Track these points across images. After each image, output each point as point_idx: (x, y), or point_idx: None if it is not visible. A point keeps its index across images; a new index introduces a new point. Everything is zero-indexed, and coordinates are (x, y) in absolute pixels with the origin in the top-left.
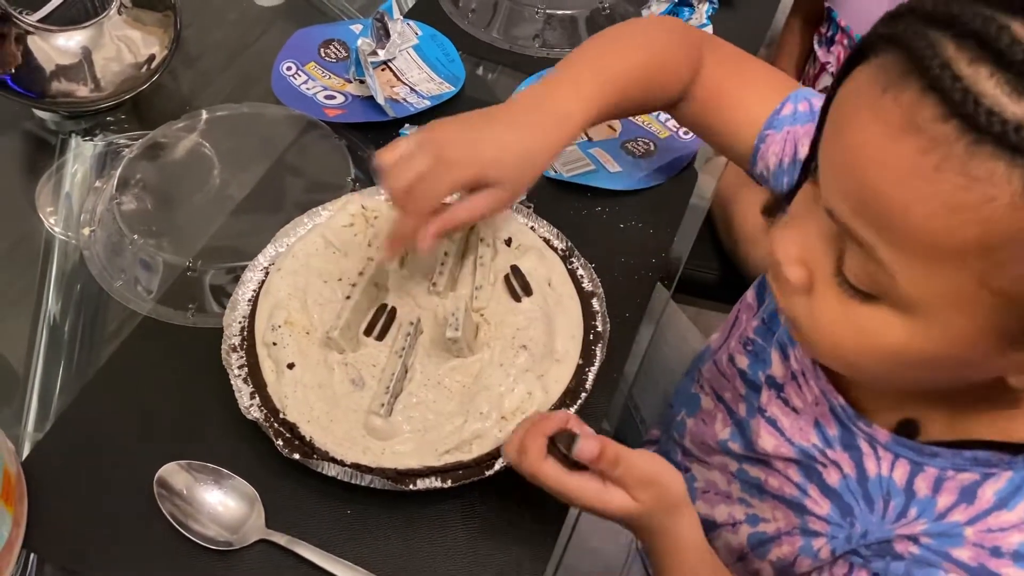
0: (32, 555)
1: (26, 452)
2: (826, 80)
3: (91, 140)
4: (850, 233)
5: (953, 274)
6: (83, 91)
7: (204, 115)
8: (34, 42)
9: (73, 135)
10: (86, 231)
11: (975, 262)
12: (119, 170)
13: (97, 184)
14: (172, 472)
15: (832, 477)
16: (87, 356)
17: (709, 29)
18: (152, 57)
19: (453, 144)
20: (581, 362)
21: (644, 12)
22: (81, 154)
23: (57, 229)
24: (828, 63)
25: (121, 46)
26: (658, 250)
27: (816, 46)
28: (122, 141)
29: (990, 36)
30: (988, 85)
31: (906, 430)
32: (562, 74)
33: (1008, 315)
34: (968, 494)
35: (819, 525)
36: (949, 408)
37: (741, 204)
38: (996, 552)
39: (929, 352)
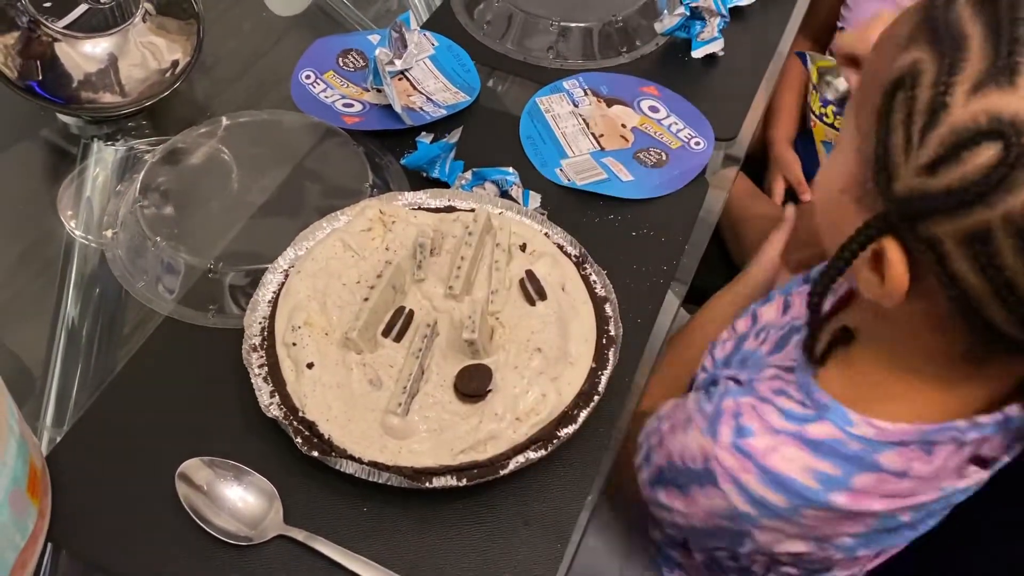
0: (48, 546)
1: (44, 448)
2: None
3: (112, 145)
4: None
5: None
6: (108, 97)
7: (224, 121)
8: (61, 48)
9: (95, 140)
10: (108, 233)
11: (858, 93)
12: (142, 174)
13: (119, 188)
14: (194, 468)
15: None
16: (104, 356)
17: (720, 43)
18: (176, 63)
19: None
20: (594, 365)
21: (656, 26)
22: (102, 159)
23: (77, 232)
24: None
25: (145, 53)
26: (669, 258)
27: None
28: (142, 146)
29: None
30: None
31: (843, 336)
32: None
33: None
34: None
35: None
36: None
37: (750, 215)
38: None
39: (837, 182)
